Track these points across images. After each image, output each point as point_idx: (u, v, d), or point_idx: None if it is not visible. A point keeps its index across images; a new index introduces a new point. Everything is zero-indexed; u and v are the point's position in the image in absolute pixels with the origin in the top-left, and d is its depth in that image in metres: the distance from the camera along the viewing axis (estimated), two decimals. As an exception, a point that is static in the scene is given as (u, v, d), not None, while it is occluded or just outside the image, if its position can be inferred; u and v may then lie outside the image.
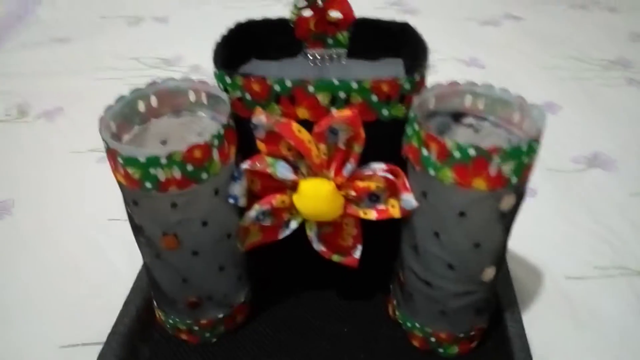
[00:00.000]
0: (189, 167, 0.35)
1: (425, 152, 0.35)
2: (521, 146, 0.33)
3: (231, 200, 0.38)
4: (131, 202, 0.37)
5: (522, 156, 0.33)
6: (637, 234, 0.57)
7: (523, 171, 0.34)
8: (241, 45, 0.44)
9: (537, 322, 0.48)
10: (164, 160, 0.34)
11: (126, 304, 0.48)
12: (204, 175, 0.36)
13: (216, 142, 0.35)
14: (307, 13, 0.44)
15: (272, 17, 0.45)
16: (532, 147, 0.33)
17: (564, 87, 0.81)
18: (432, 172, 0.35)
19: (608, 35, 0.94)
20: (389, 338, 0.46)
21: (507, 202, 0.35)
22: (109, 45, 0.98)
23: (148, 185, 0.35)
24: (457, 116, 0.41)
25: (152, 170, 0.34)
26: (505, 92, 0.38)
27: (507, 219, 0.37)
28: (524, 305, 0.49)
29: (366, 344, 0.46)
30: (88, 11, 1.12)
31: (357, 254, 0.44)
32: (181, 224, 0.37)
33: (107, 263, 0.55)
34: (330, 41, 0.45)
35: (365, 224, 0.43)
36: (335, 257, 0.44)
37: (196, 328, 0.45)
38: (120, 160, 0.34)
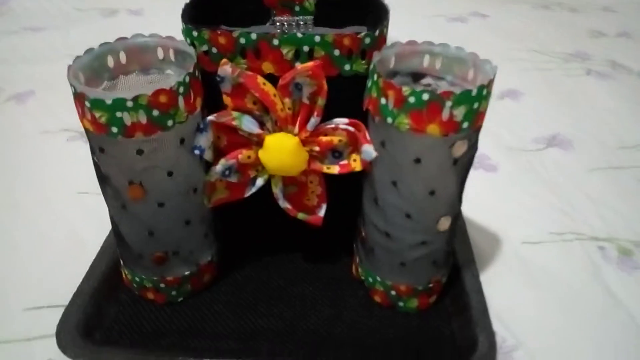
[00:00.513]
0: (155, 112, 0.36)
1: (383, 100, 0.37)
2: (471, 90, 0.35)
3: (196, 152, 0.40)
4: (98, 150, 0.38)
5: (473, 101, 0.35)
6: (593, 205, 0.60)
7: (474, 117, 0.36)
8: (210, 11, 0.45)
9: (494, 282, 0.50)
10: (130, 103, 0.35)
11: (92, 266, 0.48)
12: (170, 122, 0.37)
13: (182, 89, 0.36)
14: (274, -20, 0.45)
15: (240, -16, 0.46)
16: (481, 93, 0.35)
17: (526, 77, 0.84)
18: (389, 120, 0.37)
19: (568, 32, 0.99)
20: (352, 296, 0.48)
21: (459, 148, 0.37)
22: (83, 35, 0.99)
23: (114, 129, 0.36)
24: (417, 77, 0.43)
25: (118, 114, 0.35)
26: (460, 50, 0.40)
27: (460, 166, 0.39)
28: (482, 267, 0.51)
29: (330, 302, 0.47)
30: (62, 3, 1.12)
31: (322, 212, 0.45)
32: (147, 172, 0.38)
33: (75, 233, 0.55)
34: (297, 8, 0.47)
35: (330, 183, 0.44)
36: (301, 215, 0.45)
37: (162, 286, 0.45)
38: (87, 104, 0.35)
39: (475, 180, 0.63)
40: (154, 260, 0.43)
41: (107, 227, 0.51)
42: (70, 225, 0.56)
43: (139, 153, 0.37)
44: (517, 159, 0.67)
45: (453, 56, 0.41)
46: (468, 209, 0.57)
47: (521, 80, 0.83)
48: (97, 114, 0.35)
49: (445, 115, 0.35)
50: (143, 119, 0.36)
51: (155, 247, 0.43)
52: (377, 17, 0.42)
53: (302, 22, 0.48)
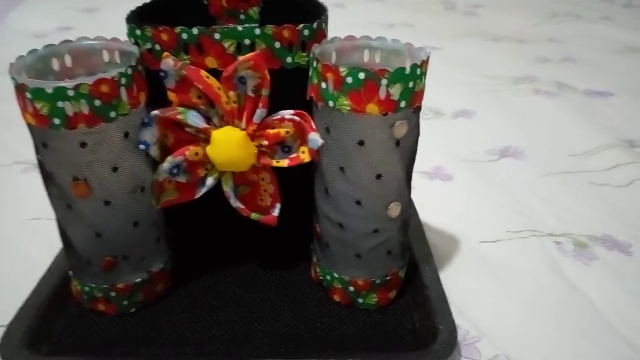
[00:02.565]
0: (97, 102, 0.36)
1: (324, 85, 0.38)
2: (404, 68, 0.36)
3: (142, 146, 0.39)
4: (41, 145, 0.38)
5: (407, 79, 0.36)
6: (547, 206, 0.61)
7: (410, 96, 0.37)
8: (156, 21, 0.47)
9: (453, 277, 0.49)
10: (71, 92, 0.35)
11: (40, 282, 0.46)
12: (112, 114, 0.37)
13: (124, 80, 0.37)
14: (219, -10, 0.47)
15: (186, -4, 0.48)
16: (414, 71, 0.37)
17: (478, 98, 0.87)
18: (331, 103, 0.38)
19: (517, 59, 1.03)
20: (312, 298, 0.47)
21: (399, 128, 0.38)
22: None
23: (56, 121, 0.36)
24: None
25: (59, 104, 0.35)
26: (396, 42, 0.42)
27: (403, 149, 0.39)
28: (441, 265, 0.51)
29: (289, 305, 0.46)
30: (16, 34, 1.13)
31: (276, 212, 0.45)
32: (91, 167, 0.38)
33: (25, 257, 0.54)
34: (242, 17, 0.48)
35: (283, 182, 0.45)
36: (254, 216, 0.45)
37: (113, 294, 0.44)
38: (28, 95, 0.35)
39: (431, 189, 0.64)
40: (103, 266, 0.42)
41: (58, 250, 0.50)
42: (20, 249, 0.55)
43: (82, 146, 0.37)
44: (471, 169, 0.68)
45: (391, 49, 0.42)
46: (425, 214, 0.57)
47: (474, 101, 0.86)
48: (38, 105, 0.35)
49: (382, 93, 0.36)
50: (85, 109, 0.36)
51: (104, 251, 0.42)
52: (316, 14, 0.43)
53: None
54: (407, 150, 0.40)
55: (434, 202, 0.60)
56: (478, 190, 0.64)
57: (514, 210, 0.60)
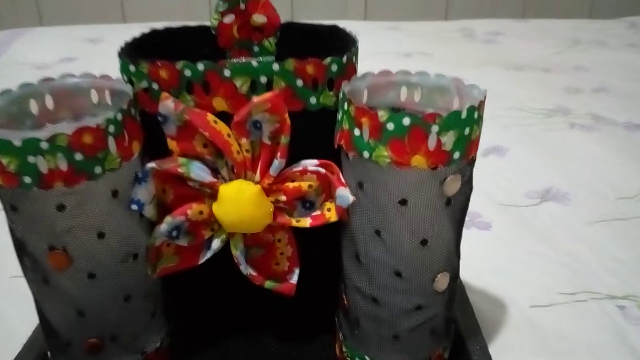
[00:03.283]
0: (78, 157, 0.29)
1: (357, 131, 0.31)
2: (460, 112, 0.29)
3: (134, 207, 0.32)
4: (9, 208, 0.31)
5: (463, 125, 0.29)
6: (600, 260, 0.53)
7: (466, 145, 0.30)
8: (155, 55, 0.40)
9: (504, 353, 0.41)
10: (45, 145, 0.28)
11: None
12: (98, 169, 0.30)
13: (112, 128, 0.30)
14: (229, 19, 0.41)
15: (191, 24, 0.42)
16: (472, 115, 0.30)
17: (508, 133, 0.80)
18: (366, 154, 0.31)
19: (545, 89, 0.97)
20: (337, 382, 0.39)
21: (451, 184, 0.31)
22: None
23: (27, 180, 0.29)
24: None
25: (30, 159, 0.28)
26: (441, 78, 0.35)
27: (455, 208, 0.32)
28: (488, 337, 0.43)
29: (310, 392, 0.38)
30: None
31: (294, 278, 0.38)
32: (71, 233, 0.31)
33: (3, 320, 0.47)
34: (256, 49, 0.42)
35: (302, 242, 0.37)
36: (269, 284, 0.37)
37: (98, 382, 0.36)
38: (-9, 148, 0.28)
39: (468, 239, 0.57)
40: (87, 349, 0.35)
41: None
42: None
43: (60, 209, 0.30)
44: (510, 215, 0.61)
45: (433, 85, 0.36)
46: (464, 271, 0.49)
47: (504, 136, 0.79)
48: (4, 161, 0.28)
49: (431, 143, 0.29)
50: (63, 165, 0.29)
51: (87, 331, 0.34)
52: (344, 46, 0.37)
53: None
54: (459, 209, 0.33)
55: (472, 256, 0.52)
56: (520, 241, 0.56)
57: (563, 265, 0.52)
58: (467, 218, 0.60)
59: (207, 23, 0.41)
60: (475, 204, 0.62)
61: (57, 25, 1.35)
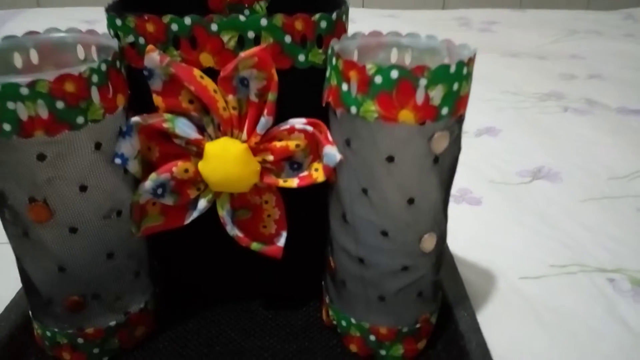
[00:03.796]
0: (59, 105, 0.28)
1: (345, 86, 0.30)
2: (449, 66, 0.29)
3: (118, 160, 0.32)
4: (-11, 158, 0.30)
5: (451, 80, 0.29)
6: (592, 235, 0.53)
7: (454, 101, 0.30)
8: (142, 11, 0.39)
9: (493, 323, 0.41)
10: (25, 90, 0.27)
11: (-3, 323, 0.39)
12: (80, 119, 0.29)
13: (95, 77, 0.30)
14: (220, -19, 0.40)
15: (181, -14, 0.41)
16: (460, 70, 0.29)
17: (503, 115, 0.80)
18: (354, 110, 0.30)
19: (540, 75, 0.96)
20: (323, 347, 0.39)
21: (439, 141, 0.30)
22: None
23: (7, 127, 0.28)
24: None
25: (10, 105, 0.28)
26: (432, 39, 0.35)
27: (442, 167, 0.32)
28: (477, 306, 0.43)
29: (296, 357, 0.38)
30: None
31: (281, 241, 0.38)
32: (52, 185, 0.30)
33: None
34: (247, 12, 0.41)
35: (290, 204, 0.37)
36: (255, 246, 0.37)
37: (80, 341, 0.36)
38: (-30, 94, 0.28)
39: (459, 214, 0.57)
40: (68, 307, 0.34)
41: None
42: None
43: (41, 159, 0.29)
44: (502, 191, 0.61)
45: (425, 47, 0.35)
46: (454, 244, 0.49)
47: (498, 118, 0.79)
48: (-17, 107, 0.28)
49: (419, 97, 0.29)
50: (44, 113, 0.28)
51: (69, 288, 0.34)
52: (334, 6, 0.36)
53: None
54: (447, 168, 0.32)
55: (463, 230, 0.52)
56: (511, 216, 0.56)
57: (554, 239, 0.52)
58: (457, 194, 0.60)
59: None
60: (466, 180, 0.62)
61: (53, 7, 1.34)
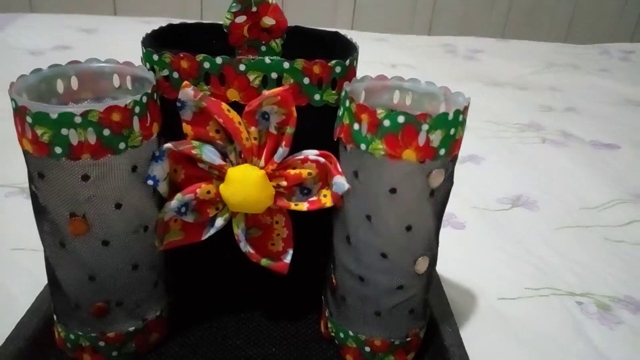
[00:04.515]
0: (106, 132, 0.32)
1: (356, 126, 0.35)
2: (447, 114, 0.33)
3: (150, 182, 0.36)
4: (37, 176, 0.33)
5: (449, 126, 0.34)
6: (564, 261, 0.58)
7: (450, 143, 0.34)
8: (172, 46, 0.43)
9: (474, 339, 0.46)
10: (78, 119, 0.31)
11: (19, 325, 0.41)
12: (122, 145, 0.33)
13: (137, 109, 0.33)
14: (241, 19, 0.44)
15: (205, 22, 0.45)
16: (457, 117, 0.34)
17: (485, 144, 0.85)
18: (363, 146, 0.35)
19: (520, 105, 1.02)
20: (320, 356, 0.42)
21: (436, 178, 0.35)
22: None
23: (58, 150, 0.32)
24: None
25: (64, 131, 0.31)
26: (430, 85, 0.40)
27: (437, 200, 0.36)
28: (460, 324, 0.47)
29: (296, 364, 0.42)
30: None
31: (288, 258, 0.41)
32: (92, 202, 0.34)
33: (3, 293, 0.48)
34: (263, 48, 0.45)
35: (297, 226, 0.41)
36: (264, 262, 0.41)
37: (102, 344, 0.39)
38: (28, 119, 0.31)
39: (444, 237, 0.61)
40: (94, 312, 0.38)
41: (41, 285, 0.45)
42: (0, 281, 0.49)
43: (85, 179, 0.33)
44: (483, 217, 0.65)
45: (424, 92, 0.40)
46: (440, 265, 0.53)
47: (480, 146, 0.84)
48: (39, 131, 0.31)
49: (421, 139, 0.33)
50: (92, 139, 0.32)
51: (96, 295, 0.37)
52: (346, 52, 0.41)
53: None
54: (440, 201, 0.37)
55: (448, 251, 0.56)
56: (491, 240, 0.61)
57: (530, 264, 0.57)
58: (444, 218, 0.65)
59: (220, 22, 0.44)
60: (451, 206, 0.66)
61: (46, 13, 1.36)
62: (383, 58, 1.24)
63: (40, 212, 0.35)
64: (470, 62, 1.31)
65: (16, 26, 1.21)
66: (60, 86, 0.37)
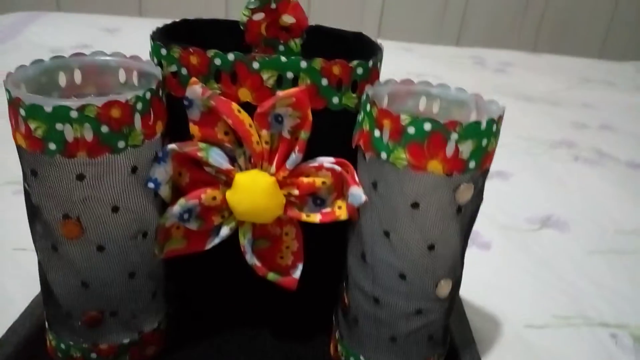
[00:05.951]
0: (104, 128, 0.30)
1: (377, 133, 0.32)
2: (480, 123, 0.30)
3: (151, 185, 0.33)
4: (29, 172, 0.31)
5: (481, 136, 0.30)
6: (597, 289, 0.54)
7: (482, 155, 0.31)
8: (185, 42, 0.41)
9: (498, 370, 0.42)
10: (74, 114, 0.29)
11: (10, 330, 0.39)
12: (121, 144, 0.31)
13: (140, 105, 0.31)
14: (259, 16, 0.42)
15: (221, 18, 0.43)
16: (490, 128, 0.30)
17: (514, 160, 0.81)
18: (384, 155, 0.31)
19: (552, 121, 0.98)
20: (329, 381, 0.39)
21: (464, 193, 0.31)
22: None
23: (52, 146, 0.29)
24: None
25: (58, 126, 0.29)
26: (461, 92, 0.36)
27: (464, 217, 0.33)
28: (483, 352, 0.44)
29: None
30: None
31: (297, 273, 0.38)
32: (87, 204, 0.31)
33: (2, 291, 0.46)
34: (281, 48, 0.43)
35: (308, 238, 0.38)
36: (271, 276, 0.38)
37: (94, 356, 0.36)
38: (22, 112, 0.29)
39: (468, 257, 0.57)
40: (86, 322, 0.35)
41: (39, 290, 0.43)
42: (-1, 281, 0.48)
43: (80, 179, 0.30)
44: (510, 237, 0.61)
45: (453, 99, 0.37)
46: (463, 287, 0.50)
47: (509, 162, 0.80)
48: (32, 125, 0.29)
49: (449, 150, 0.30)
50: (89, 135, 0.29)
51: (89, 303, 0.35)
52: (369, 52, 0.38)
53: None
54: (468, 218, 0.33)
55: (471, 273, 0.52)
56: (519, 263, 0.57)
57: (559, 290, 0.53)
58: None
59: (236, 18, 0.42)
60: (477, 223, 0.62)
61: (73, 12, 1.36)
62: (409, 68, 1.21)
63: (33, 212, 0.33)
64: (500, 75, 1.27)
65: (40, 24, 1.21)
66: (62, 79, 0.35)
